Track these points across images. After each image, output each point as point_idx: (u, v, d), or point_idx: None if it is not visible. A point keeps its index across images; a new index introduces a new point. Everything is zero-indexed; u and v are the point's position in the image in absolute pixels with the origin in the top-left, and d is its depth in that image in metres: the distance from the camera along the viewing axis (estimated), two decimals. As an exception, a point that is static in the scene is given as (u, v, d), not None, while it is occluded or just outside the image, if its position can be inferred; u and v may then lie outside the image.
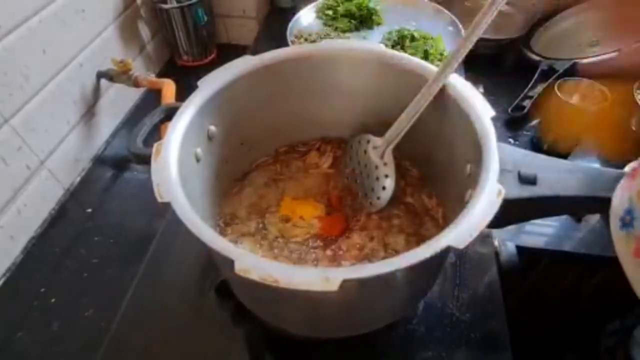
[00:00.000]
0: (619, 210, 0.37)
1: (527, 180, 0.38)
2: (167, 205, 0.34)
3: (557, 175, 0.39)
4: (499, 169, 0.36)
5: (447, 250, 0.31)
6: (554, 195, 0.38)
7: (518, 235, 0.67)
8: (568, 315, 0.82)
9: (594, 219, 0.69)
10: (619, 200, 0.37)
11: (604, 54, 0.81)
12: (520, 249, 0.61)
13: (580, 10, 0.94)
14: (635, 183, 0.36)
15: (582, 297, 0.77)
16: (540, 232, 0.69)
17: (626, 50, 0.75)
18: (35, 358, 0.56)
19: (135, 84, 0.80)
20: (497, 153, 0.37)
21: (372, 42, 0.84)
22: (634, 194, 0.35)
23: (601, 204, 0.40)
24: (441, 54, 0.80)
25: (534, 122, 0.83)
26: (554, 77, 0.82)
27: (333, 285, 0.28)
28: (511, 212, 0.37)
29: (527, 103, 0.83)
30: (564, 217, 0.70)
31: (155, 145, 0.39)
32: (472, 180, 0.37)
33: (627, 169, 0.68)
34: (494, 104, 0.42)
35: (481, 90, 0.85)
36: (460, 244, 0.30)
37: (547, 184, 0.38)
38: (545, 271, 0.73)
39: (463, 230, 0.31)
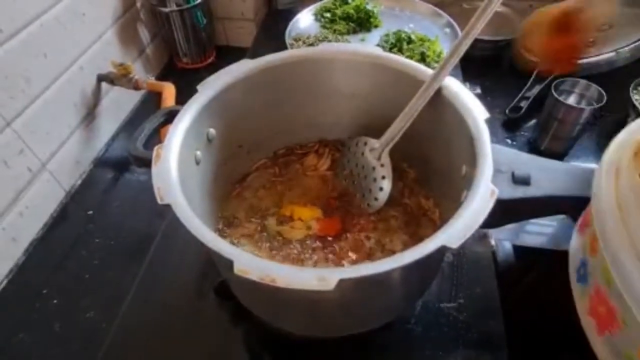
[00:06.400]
0: (575, 258, 0.34)
1: (521, 180, 0.39)
2: (167, 207, 0.35)
3: (551, 176, 0.40)
4: (492, 170, 0.36)
5: (442, 250, 0.31)
6: (547, 195, 0.38)
7: (516, 235, 0.68)
8: (565, 316, 0.82)
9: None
10: (576, 243, 0.35)
11: (600, 54, 0.82)
12: (517, 249, 0.61)
13: (577, 12, 0.94)
14: (587, 230, 0.33)
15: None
16: (538, 231, 0.69)
17: None
18: (37, 359, 0.56)
19: (135, 86, 0.81)
20: (491, 154, 0.37)
21: (370, 45, 0.85)
22: (586, 243, 0.33)
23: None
24: (438, 56, 0.80)
25: (531, 123, 0.83)
26: (551, 77, 0.83)
27: (329, 285, 0.29)
28: (505, 212, 0.37)
29: (524, 104, 0.84)
30: (562, 217, 0.70)
31: (156, 148, 0.39)
32: (467, 181, 0.38)
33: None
34: (491, 105, 0.42)
35: (478, 91, 0.86)
36: (454, 244, 0.31)
37: (540, 184, 0.39)
38: (543, 271, 0.73)
39: (457, 230, 0.32)
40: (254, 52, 0.93)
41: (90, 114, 0.78)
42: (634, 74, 0.79)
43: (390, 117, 0.48)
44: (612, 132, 0.83)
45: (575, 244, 0.35)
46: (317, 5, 0.97)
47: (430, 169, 0.52)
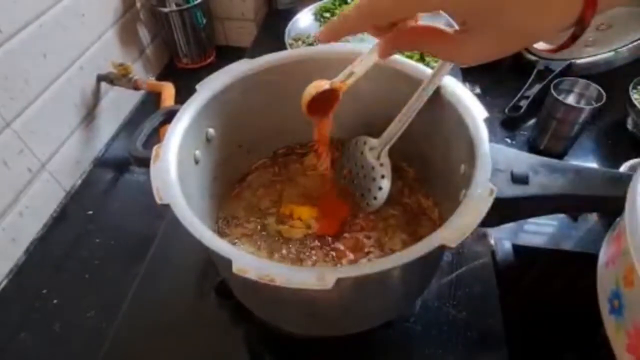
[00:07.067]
0: (605, 285, 0.31)
1: (520, 179, 0.39)
2: (166, 207, 0.35)
3: (550, 175, 0.40)
4: (491, 169, 0.36)
5: (440, 249, 0.31)
6: (545, 194, 0.38)
7: (515, 234, 0.68)
8: (566, 315, 0.82)
9: (592, 217, 0.69)
10: (605, 268, 0.31)
11: (599, 54, 0.82)
12: (517, 248, 0.61)
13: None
14: (619, 257, 0.30)
15: (580, 296, 0.78)
16: (538, 231, 0.69)
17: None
18: (37, 359, 0.56)
19: (135, 86, 0.81)
20: (490, 153, 0.37)
21: (369, 45, 0.85)
22: (619, 273, 0.29)
23: (593, 203, 0.41)
24: (438, 55, 0.80)
25: (531, 122, 0.83)
26: (550, 77, 0.83)
27: (328, 284, 0.29)
28: (504, 211, 0.37)
29: (524, 103, 0.84)
30: (562, 215, 0.70)
31: (155, 148, 0.40)
32: (466, 180, 0.38)
33: (622, 169, 0.69)
34: (490, 104, 0.42)
35: (478, 91, 0.86)
36: (453, 243, 0.31)
37: (539, 183, 0.39)
38: (543, 270, 0.73)
39: (455, 229, 0.32)
40: (254, 52, 0.93)
41: (90, 114, 0.78)
42: (633, 74, 0.79)
43: (389, 116, 0.48)
44: (612, 132, 0.83)
45: (604, 269, 0.32)
46: (317, 5, 0.97)
47: (429, 168, 0.52)
